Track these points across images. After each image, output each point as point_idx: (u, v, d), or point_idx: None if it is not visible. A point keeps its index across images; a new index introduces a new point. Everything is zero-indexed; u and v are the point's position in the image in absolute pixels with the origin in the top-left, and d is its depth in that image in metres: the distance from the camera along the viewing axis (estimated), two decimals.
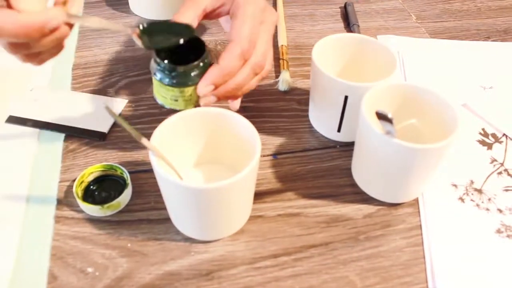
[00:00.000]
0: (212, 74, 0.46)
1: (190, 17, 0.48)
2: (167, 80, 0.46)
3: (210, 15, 0.52)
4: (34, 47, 0.41)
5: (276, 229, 0.48)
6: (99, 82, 0.64)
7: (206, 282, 0.43)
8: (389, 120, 0.40)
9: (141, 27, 0.45)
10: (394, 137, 0.43)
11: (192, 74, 0.46)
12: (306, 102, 0.62)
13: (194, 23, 0.49)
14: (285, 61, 0.67)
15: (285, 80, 0.64)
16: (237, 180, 0.39)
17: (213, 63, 0.47)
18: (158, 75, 0.47)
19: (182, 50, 0.48)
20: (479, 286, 0.44)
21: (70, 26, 0.42)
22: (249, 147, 0.44)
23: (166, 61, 0.47)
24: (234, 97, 0.50)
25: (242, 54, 0.46)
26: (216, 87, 0.46)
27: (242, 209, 0.45)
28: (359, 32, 0.75)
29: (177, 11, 0.49)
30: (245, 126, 0.44)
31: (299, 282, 0.44)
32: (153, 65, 0.47)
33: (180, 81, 0.46)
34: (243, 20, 0.47)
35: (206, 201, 0.40)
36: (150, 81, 0.64)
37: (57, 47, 0.44)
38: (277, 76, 0.66)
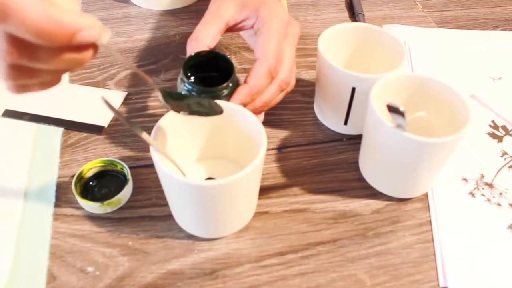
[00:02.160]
0: (242, 94, 0.45)
1: (213, 31, 0.48)
2: None
3: (233, 29, 0.51)
4: (44, 66, 0.31)
5: (282, 226, 0.46)
6: (98, 74, 0.62)
7: (210, 281, 0.42)
8: (401, 113, 0.38)
9: (164, 92, 0.40)
10: (405, 131, 0.41)
11: (221, 95, 0.45)
12: (311, 94, 0.61)
13: (216, 37, 0.48)
14: None
15: None
16: (242, 176, 0.37)
17: (239, 83, 0.47)
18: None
19: (209, 68, 0.48)
20: (491, 284, 0.42)
21: (95, 51, 0.32)
22: (253, 141, 0.42)
23: (193, 81, 0.47)
24: (259, 112, 0.49)
25: (270, 72, 0.46)
26: (244, 105, 0.45)
27: (247, 206, 0.44)
28: (364, 22, 0.73)
29: (200, 24, 0.48)
30: (249, 119, 0.42)
31: (307, 281, 0.42)
32: (179, 84, 0.46)
33: None
34: (269, 37, 0.47)
35: (210, 198, 0.38)
36: (150, 72, 0.63)
37: (57, 77, 0.35)
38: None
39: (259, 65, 0.46)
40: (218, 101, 0.42)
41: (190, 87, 0.45)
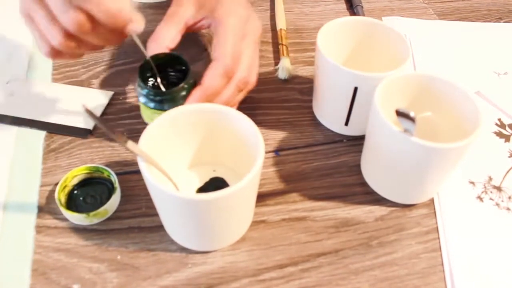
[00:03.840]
0: (196, 95, 0.44)
1: (172, 32, 0.49)
2: (152, 104, 0.46)
3: (192, 28, 0.52)
4: (93, 39, 0.40)
5: (280, 236, 0.44)
6: (83, 72, 0.59)
7: None
8: (411, 119, 0.35)
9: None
10: (412, 135, 0.38)
11: (178, 96, 0.45)
12: (308, 92, 0.57)
13: (176, 38, 0.49)
14: (284, 47, 0.62)
15: (285, 68, 0.59)
16: (239, 188, 0.34)
17: (197, 83, 0.46)
18: (143, 99, 0.46)
19: (165, 70, 0.49)
20: None
21: (125, 36, 0.43)
22: (250, 146, 0.39)
23: (150, 85, 0.48)
24: None
25: (226, 72, 0.45)
26: None
27: (243, 217, 0.41)
28: (363, 14, 0.70)
29: (159, 25, 0.49)
30: (245, 124, 0.39)
31: None
32: (137, 88, 0.47)
33: (165, 104, 0.45)
34: (224, 36, 0.46)
35: (205, 212, 0.35)
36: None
37: (93, 49, 0.44)
38: (276, 63, 0.61)
39: (214, 66, 0.45)
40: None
41: (147, 90, 0.45)
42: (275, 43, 0.65)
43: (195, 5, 0.50)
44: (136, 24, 0.40)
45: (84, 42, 0.41)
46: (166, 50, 0.48)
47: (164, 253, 0.42)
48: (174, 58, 0.48)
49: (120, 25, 0.39)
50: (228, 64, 0.45)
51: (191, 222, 0.37)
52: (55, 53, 0.42)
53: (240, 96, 0.49)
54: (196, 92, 0.44)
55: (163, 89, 0.47)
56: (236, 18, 0.47)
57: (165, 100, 0.45)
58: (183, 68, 0.48)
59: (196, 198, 0.34)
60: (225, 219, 0.38)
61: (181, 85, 0.45)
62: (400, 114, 0.36)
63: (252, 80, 0.49)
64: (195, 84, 0.46)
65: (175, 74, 0.49)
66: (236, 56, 0.46)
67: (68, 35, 0.39)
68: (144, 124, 0.39)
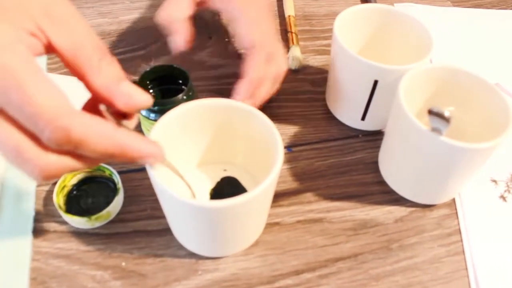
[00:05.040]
0: (244, 89, 0.40)
1: (184, 7, 0.44)
2: (152, 115, 0.43)
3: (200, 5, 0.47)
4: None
5: (296, 239, 0.41)
6: None
7: None
8: (445, 119, 0.33)
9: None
10: (442, 135, 0.36)
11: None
12: (321, 83, 0.54)
13: (188, 9, 0.44)
14: (294, 35, 0.58)
15: (295, 57, 0.56)
16: (257, 194, 0.31)
17: (197, 96, 0.42)
18: (143, 112, 0.43)
19: (165, 81, 0.46)
20: None
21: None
22: (263, 145, 0.36)
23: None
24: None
25: (268, 59, 0.41)
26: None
27: (259, 221, 0.38)
28: (375, 1, 0.66)
29: (166, 3, 0.44)
30: (261, 122, 0.36)
31: None
32: None
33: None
34: (254, 21, 0.42)
35: (221, 219, 0.33)
36: (139, 58, 0.56)
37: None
38: (285, 53, 0.58)
39: (255, 54, 0.41)
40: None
41: None
42: (283, 31, 0.61)
43: None
44: (151, 160, 0.30)
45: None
46: (180, 24, 0.43)
47: (172, 259, 0.39)
48: (173, 69, 0.45)
49: (125, 160, 0.29)
50: (268, 50, 0.41)
51: (205, 229, 0.34)
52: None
53: (275, 87, 0.45)
54: (243, 86, 0.40)
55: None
56: (257, 5, 0.44)
57: (166, 110, 0.41)
58: (183, 79, 0.45)
59: (213, 205, 0.31)
60: (241, 225, 0.35)
61: (181, 95, 0.42)
62: (433, 113, 0.33)
63: (284, 68, 0.45)
64: (195, 95, 0.43)
65: (175, 86, 0.46)
66: (270, 38, 0.42)
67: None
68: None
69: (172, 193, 0.30)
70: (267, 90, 0.43)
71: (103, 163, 0.28)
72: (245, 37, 0.42)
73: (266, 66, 0.41)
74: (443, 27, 0.64)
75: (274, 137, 0.34)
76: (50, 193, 0.42)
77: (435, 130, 0.36)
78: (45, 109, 0.24)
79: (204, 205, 0.30)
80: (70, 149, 0.26)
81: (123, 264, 0.38)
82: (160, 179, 0.31)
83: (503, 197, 0.45)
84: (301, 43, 0.59)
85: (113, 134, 0.26)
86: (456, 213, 0.44)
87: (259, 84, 0.41)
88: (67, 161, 0.26)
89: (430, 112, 0.34)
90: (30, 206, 0.41)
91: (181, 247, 0.39)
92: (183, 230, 0.37)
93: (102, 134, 0.26)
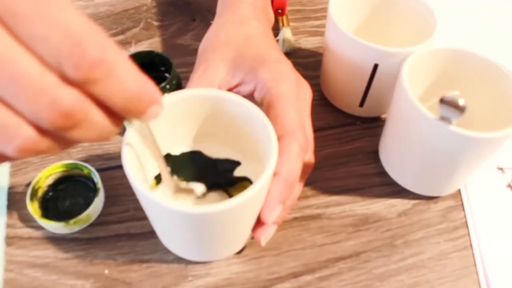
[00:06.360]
0: (278, 191, 0.31)
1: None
2: None
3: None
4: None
5: (293, 238, 0.38)
6: None
7: None
8: (459, 109, 0.30)
9: None
10: (451, 124, 0.33)
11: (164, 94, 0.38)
12: (314, 67, 0.51)
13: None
14: (284, 15, 0.54)
15: (286, 40, 0.52)
16: (248, 197, 0.28)
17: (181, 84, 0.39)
18: None
19: (147, 68, 0.39)
20: None
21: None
22: (259, 140, 0.33)
23: None
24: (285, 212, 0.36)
25: (302, 152, 0.33)
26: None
27: (252, 222, 0.35)
28: None
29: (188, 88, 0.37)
30: (255, 117, 0.33)
31: None
32: None
33: None
34: (284, 106, 0.34)
35: (208, 225, 0.29)
36: (118, 44, 0.51)
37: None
38: (275, 35, 0.54)
39: (288, 145, 0.32)
40: None
41: None
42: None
43: (228, 64, 0.36)
44: (159, 106, 0.23)
45: (63, 139, 0.21)
46: None
47: (159, 264, 0.36)
48: (155, 56, 0.43)
49: (140, 110, 0.22)
50: (302, 142, 0.33)
51: (194, 235, 0.31)
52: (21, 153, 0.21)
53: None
54: (276, 187, 0.31)
55: None
56: (288, 83, 0.35)
57: None
58: (166, 67, 0.44)
59: (204, 211, 0.27)
60: (233, 228, 0.32)
61: (163, 84, 0.40)
62: (446, 102, 0.30)
63: (313, 159, 0.38)
64: (179, 83, 0.41)
65: (157, 74, 0.44)
66: (302, 127, 0.34)
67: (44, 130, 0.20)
68: None
69: (156, 200, 0.27)
70: (298, 192, 0.36)
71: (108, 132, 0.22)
72: (273, 123, 0.33)
73: (301, 160, 0.33)
74: (447, 5, 0.60)
75: (267, 131, 0.31)
76: (23, 195, 0.38)
77: (443, 119, 0.33)
78: (79, 28, 0.18)
79: (192, 212, 0.27)
80: (95, 82, 0.19)
81: (106, 271, 0.35)
82: (141, 183, 0.27)
83: (510, 186, 0.43)
84: (291, 24, 0.55)
85: (138, 72, 0.21)
86: (462, 204, 0.41)
87: (294, 184, 0.32)
88: (87, 104, 0.20)
89: (444, 101, 0.30)
90: (1, 210, 0.38)
91: (168, 251, 0.36)
92: (170, 236, 0.34)
93: (132, 69, 0.21)
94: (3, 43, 0.18)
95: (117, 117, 0.21)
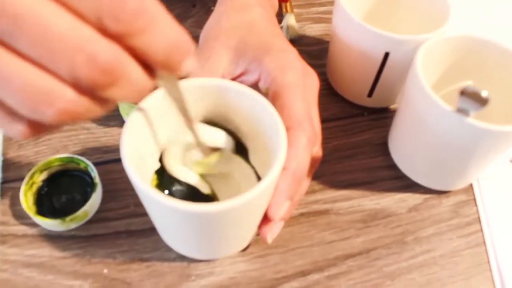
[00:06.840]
0: (287, 186, 0.29)
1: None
2: None
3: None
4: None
5: (300, 235, 0.37)
6: None
7: None
8: (482, 101, 0.28)
9: None
10: (469, 116, 0.31)
11: None
12: (320, 55, 0.49)
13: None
14: (288, 1, 0.52)
15: (290, 27, 0.50)
16: (255, 195, 0.26)
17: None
18: None
19: None
20: None
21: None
22: (265, 131, 0.31)
23: None
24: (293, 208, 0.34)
25: (310, 144, 0.31)
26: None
27: (258, 219, 0.33)
28: None
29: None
30: (261, 107, 0.31)
31: None
32: None
33: None
34: (291, 96, 0.32)
35: (213, 223, 0.28)
36: None
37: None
38: (279, 21, 0.52)
39: (295, 138, 0.30)
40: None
41: None
42: None
43: (231, 53, 0.35)
44: (193, 61, 0.22)
45: (101, 100, 0.20)
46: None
47: (160, 263, 0.34)
48: None
49: (179, 61, 0.21)
50: (310, 134, 0.31)
51: (197, 233, 0.29)
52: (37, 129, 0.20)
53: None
54: (285, 181, 0.30)
55: None
56: (294, 72, 0.33)
57: None
58: None
59: (209, 210, 0.25)
60: (239, 226, 0.30)
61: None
62: (466, 94, 0.28)
63: (320, 153, 0.36)
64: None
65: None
66: (310, 119, 0.32)
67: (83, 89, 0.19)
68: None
69: (156, 197, 0.25)
70: (306, 187, 0.34)
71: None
72: (279, 113, 0.31)
73: (309, 153, 0.31)
74: None
75: (276, 125, 0.29)
76: (16, 191, 0.37)
77: (461, 110, 0.31)
78: None
79: (196, 210, 0.25)
80: (136, 34, 0.19)
81: (105, 271, 0.34)
82: (140, 179, 0.26)
83: None
84: (295, 10, 0.53)
85: (176, 23, 0.21)
86: (474, 199, 0.40)
87: (302, 179, 0.31)
88: (125, 58, 0.19)
89: (464, 93, 0.29)
90: None
91: (170, 249, 0.35)
92: (172, 233, 0.32)
93: (170, 19, 0.20)
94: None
95: (152, 72, 0.21)
